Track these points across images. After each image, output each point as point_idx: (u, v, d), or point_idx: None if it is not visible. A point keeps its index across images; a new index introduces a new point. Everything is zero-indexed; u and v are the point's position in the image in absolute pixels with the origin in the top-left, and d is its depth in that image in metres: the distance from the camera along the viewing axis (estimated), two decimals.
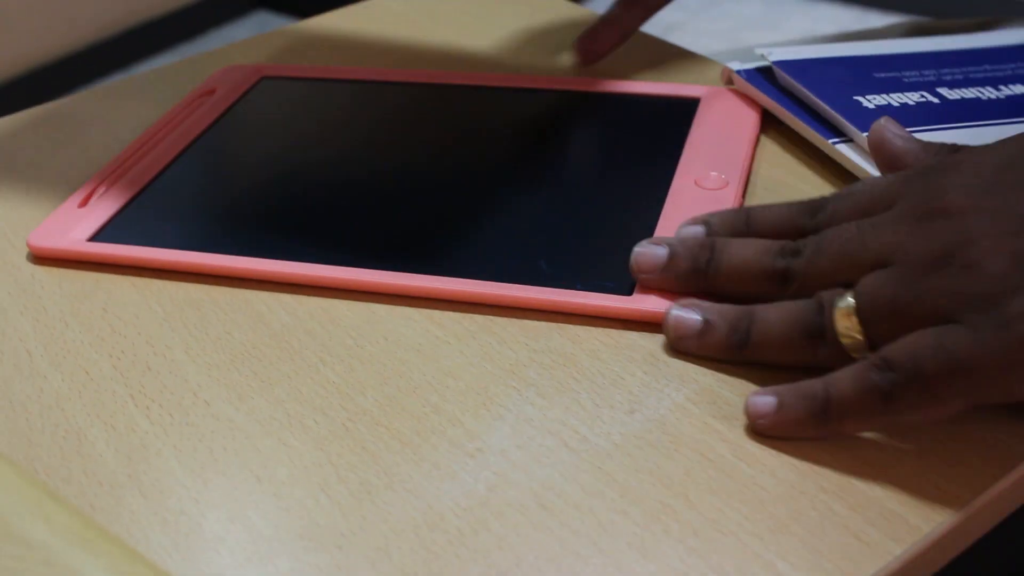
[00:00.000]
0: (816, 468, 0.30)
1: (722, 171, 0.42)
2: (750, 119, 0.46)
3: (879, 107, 0.42)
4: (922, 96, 0.43)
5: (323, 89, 0.52)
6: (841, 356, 0.32)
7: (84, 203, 0.44)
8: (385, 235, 0.40)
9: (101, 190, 0.44)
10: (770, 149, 0.44)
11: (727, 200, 0.40)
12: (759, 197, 0.41)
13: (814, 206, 0.36)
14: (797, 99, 0.45)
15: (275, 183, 0.44)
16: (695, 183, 0.41)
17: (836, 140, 0.42)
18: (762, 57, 0.47)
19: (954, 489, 0.29)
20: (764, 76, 0.47)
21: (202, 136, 0.48)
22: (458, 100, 0.50)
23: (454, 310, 0.37)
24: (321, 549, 0.29)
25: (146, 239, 0.41)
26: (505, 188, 0.43)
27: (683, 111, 0.47)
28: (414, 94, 0.51)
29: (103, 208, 0.43)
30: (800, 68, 0.45)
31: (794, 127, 0.44)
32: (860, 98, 0.43)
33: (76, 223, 0.42)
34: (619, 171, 0.43)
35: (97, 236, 0.41)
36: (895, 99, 0.43)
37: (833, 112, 0.42)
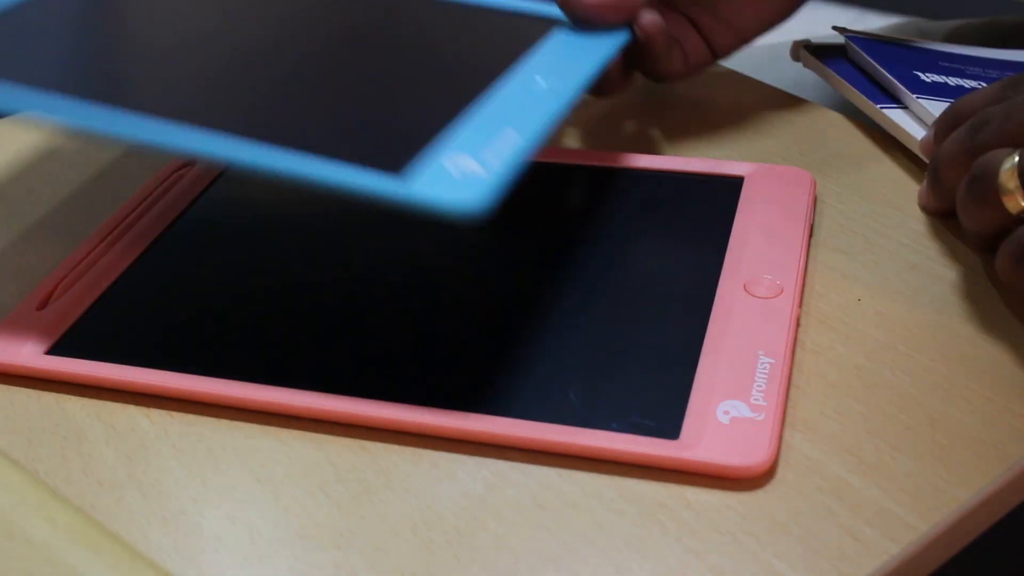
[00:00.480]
0: (813, 467, 0.30)
1: (775, 274, 0.36)
2: (802, 203, 0.40)
3: (935, 83, 0.44)
4: (979, 84, 0.45)
5: None
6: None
7: (43, 304, 0.37)
8: (387, 357, 0.34)
9: (64, 287, 0.38)
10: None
11: (783, 310, 0.35)
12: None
13: (1017, 79, 0.37)
14: (864, 75, 0.47)
15: (270, 278, 0.38)
16: (744, 289, 0.36)
17: (886, 105, 0.43)
18: (838, 34, 0.50)
19: (951, 489, 0.29)
20: (833, 54, 0.50)
21: (181, 217, 0.42)
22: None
23: (457, 443, 0.32)
24: (320, 549, 0.29)
25: (115, 353, 0.35)
26: (515, 299, 0.36)
27: (725, 195, 0.41)
28: None
29: (65, 311, 0.37)
30: (869, 44, 0.48)
31: (851, 98, 0.46)
32: (919, 72, 0.45)
33: (32, 330, 0.36)
34: (652, 272, 0.37)
35: (56, 348, 0.36)
36: (952, 81, 0.44)
37: (889, 76, 0.44)
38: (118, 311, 0.37)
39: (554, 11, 0.43)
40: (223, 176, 0.45)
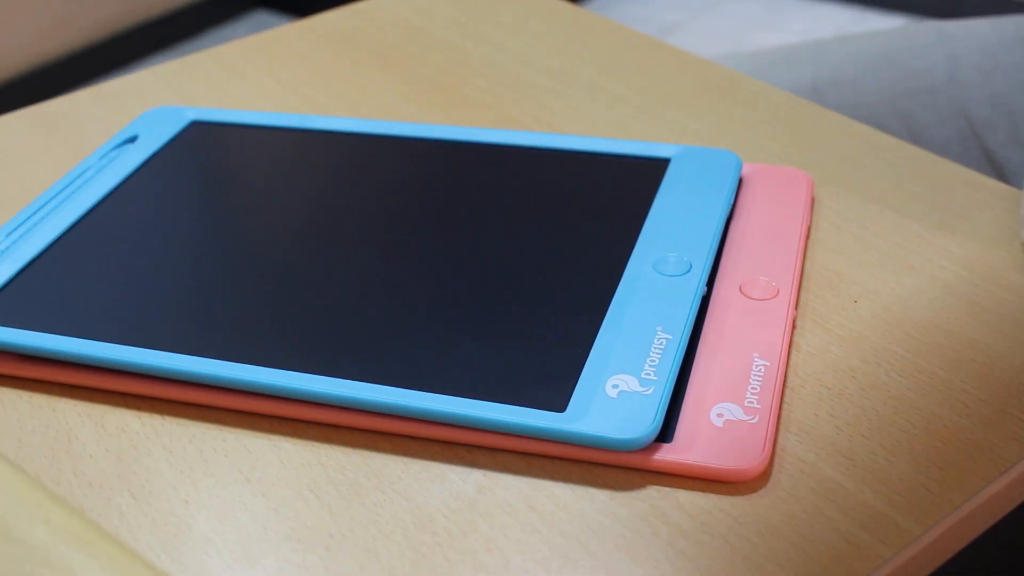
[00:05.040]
0: (807, 470, 0.30)
1: (771, 275, 0.36)
2: (799, 203, 0.40)
3: None
4: None
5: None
6: None
7: None
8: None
9: None
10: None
11: (778, 312, 0.34)
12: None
13: None
14: None
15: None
16: (740, 290, 0.36)
17: None
18: None
19: (945, 492, 0.29)
20: None
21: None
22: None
23: (449, 445, 0.32)
24: (310, 550, 0.29)
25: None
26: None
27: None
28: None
29: None
30: None
31: None
32: None
33: None
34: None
35: None
36: None
37: None
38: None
39: (654, 150, 0.42)
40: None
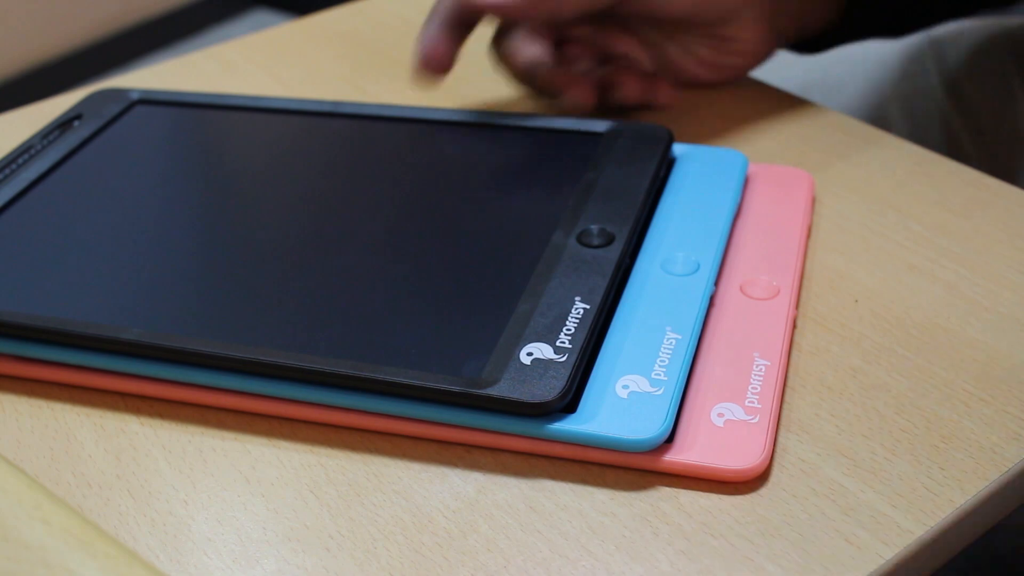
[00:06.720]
0: (808, 470, 0.30)
1: (772, 275, 0.36)
2: (800, 203, 0.39)
3: None
4: None
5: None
6: None
7: None
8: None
9: None
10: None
11: (779, 311, 0.34)
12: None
13: None
14: None
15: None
16: (740, 290, 0.35)
17: None
18: None
19: (945, 492, 0.29)
20: None
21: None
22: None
23: (448, 445, 0.31)
24: (309, 551, 0.29)
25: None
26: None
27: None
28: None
29: None
30: None
31: None
32: None
33: None
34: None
35: None
36: None
37: None
38: None
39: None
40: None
